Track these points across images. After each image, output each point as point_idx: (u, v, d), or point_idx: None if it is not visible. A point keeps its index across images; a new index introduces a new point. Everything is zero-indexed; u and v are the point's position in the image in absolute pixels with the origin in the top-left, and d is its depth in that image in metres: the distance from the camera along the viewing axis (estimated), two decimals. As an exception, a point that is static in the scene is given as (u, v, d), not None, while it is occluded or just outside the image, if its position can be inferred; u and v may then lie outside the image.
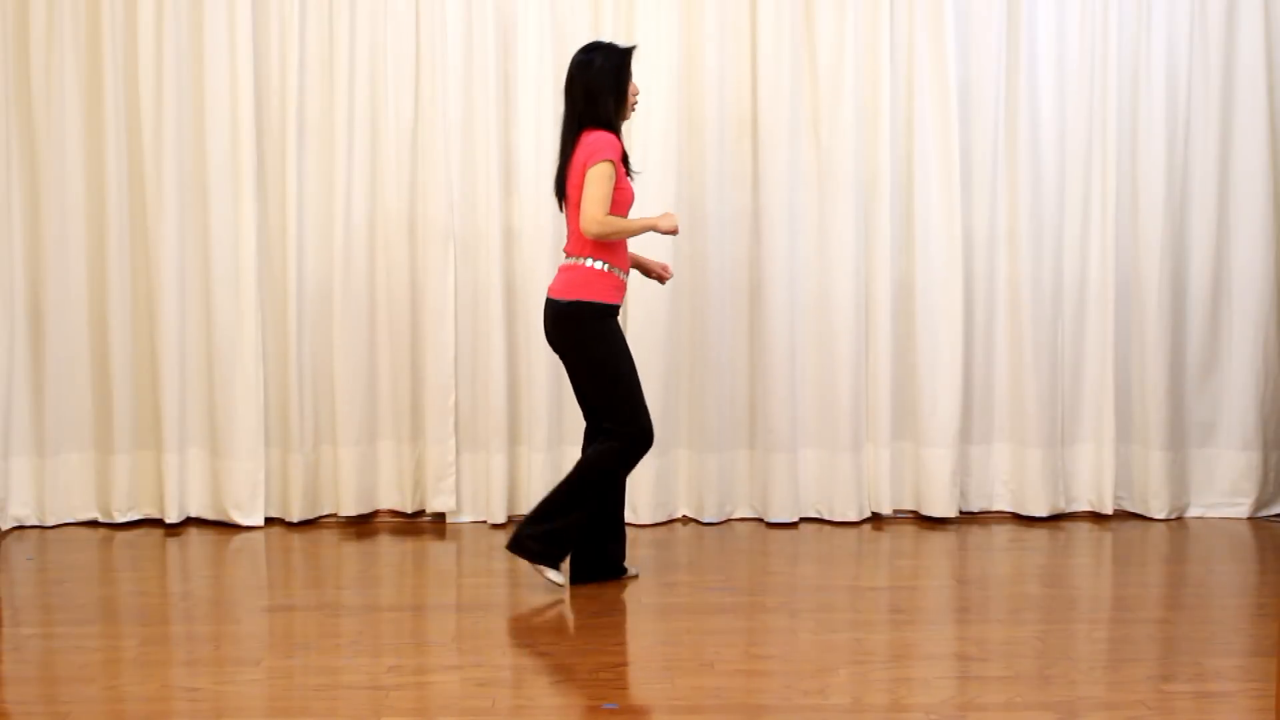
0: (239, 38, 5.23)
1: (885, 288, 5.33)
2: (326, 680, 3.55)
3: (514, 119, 5.31)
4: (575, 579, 4.46)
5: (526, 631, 4.06)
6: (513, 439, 5.38)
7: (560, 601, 4.30)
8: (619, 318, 4.40)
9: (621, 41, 5.21)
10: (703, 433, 5.36)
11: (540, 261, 5.25)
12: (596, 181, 4.17)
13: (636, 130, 5.24)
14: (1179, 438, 5.43)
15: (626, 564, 4.57)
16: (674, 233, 4.34)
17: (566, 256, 4.37)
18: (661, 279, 4.59)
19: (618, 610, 4.23)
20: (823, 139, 5.32)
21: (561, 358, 4.40)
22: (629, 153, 4.59)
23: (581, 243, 4.29)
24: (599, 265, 4.27)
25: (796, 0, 5.27)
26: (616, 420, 4.30)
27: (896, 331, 5.38)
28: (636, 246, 4.75)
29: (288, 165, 5.28)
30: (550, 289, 4.37)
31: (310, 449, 5.39)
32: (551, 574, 4.35)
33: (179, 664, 3.73)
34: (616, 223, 4.22)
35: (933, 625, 4.07)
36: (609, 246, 4.28)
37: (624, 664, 3.72)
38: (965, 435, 5.41)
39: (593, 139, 4.24)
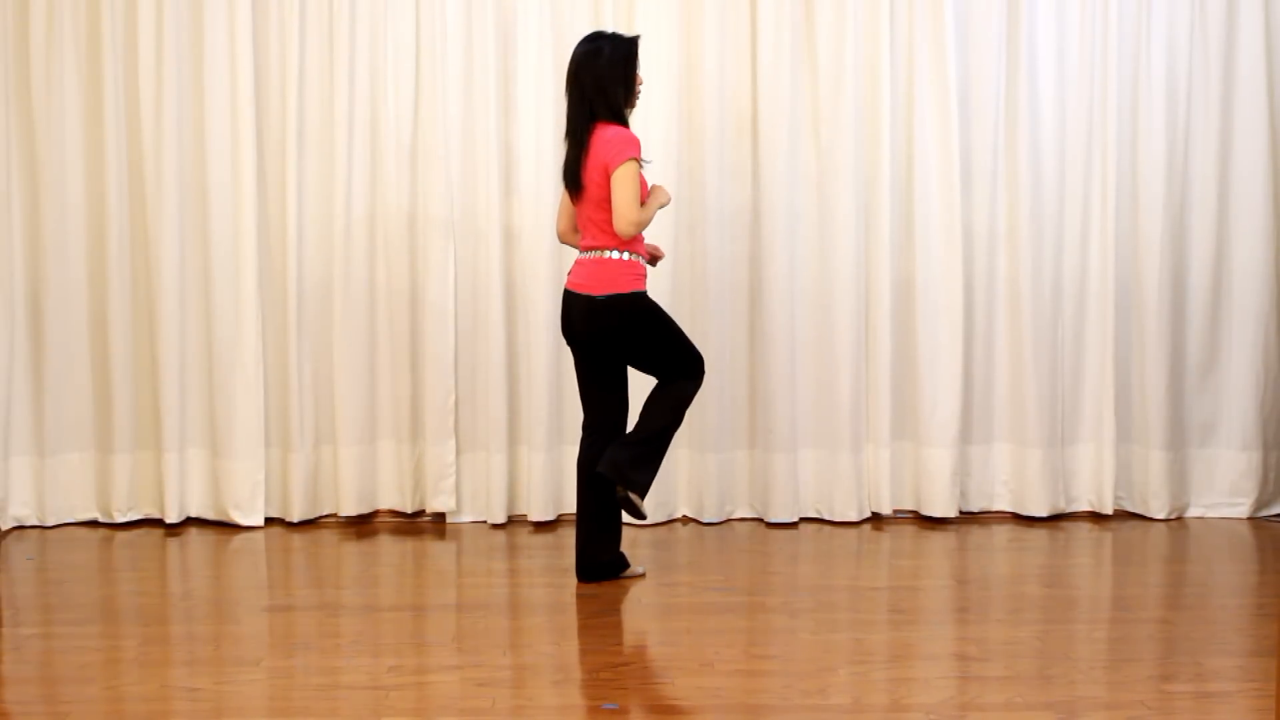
0: (239, 38, 5.23)
1: (885, 287, 5.33)
2: (326, 680, 3.55)
3: (514, 118, 5.31)
4: (584, 577, 4.49)
5: (526, 631, 4.06)
6: (512, 439, 5.38)
7: (561, 600, 4.31)
8: None
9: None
10: (703, 433, 5.35)
11: (540, 261, 5.25)
12: (626, 183, 4.20)
13: (636, 128, 5.23)
14: (1179, 438, 5.43)
15: (633, 562, 4.60)
16: (670, 200, 4.46)
17: (585, 250, 4.36)
18: (655, 259, 4.57)
19: (618, 610, 4.23)
20: (823, 138, 5.32)
21: (598, 347, 4.37)
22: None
23: (605, 236, 4.30)
24: (626, 256, 4.31)
25: (796, 0, 5.27)
26: (684, 372, 4.38)
27: (896, 331, 5.38)
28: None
29: (288, 165, 5.28)
30: (576, 283, 4.34)
31: (310, 449, 5.39)
32: (641, 504, 4.38)
33: (179, 664, 3.73)
34: (645, 216, 4.28)
35: (933, 625, 4.07)
36: (633, 238, 4.32)
37: (624, 664, 3.72)
38: (965, 435, 5.41)
39: (612, 136, 4.25)
